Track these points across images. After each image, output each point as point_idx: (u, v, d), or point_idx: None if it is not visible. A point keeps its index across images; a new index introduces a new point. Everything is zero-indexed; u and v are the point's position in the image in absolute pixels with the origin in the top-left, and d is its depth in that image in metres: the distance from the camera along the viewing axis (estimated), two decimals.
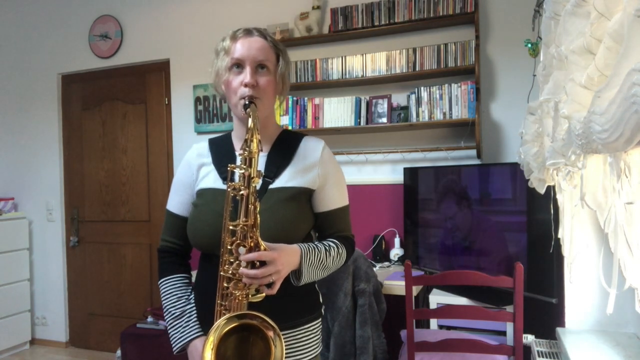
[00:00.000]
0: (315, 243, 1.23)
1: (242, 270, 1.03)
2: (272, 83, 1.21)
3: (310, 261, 1.16)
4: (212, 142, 1.34)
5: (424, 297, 2.71)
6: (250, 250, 1.05)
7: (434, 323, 2.45)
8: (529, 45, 2.34)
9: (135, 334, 2.95)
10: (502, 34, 2.82)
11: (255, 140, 1.08)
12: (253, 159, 1.07)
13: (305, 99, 3.08)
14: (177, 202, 1.29)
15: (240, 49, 1.19)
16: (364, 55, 2.97)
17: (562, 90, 0.93)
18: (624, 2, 0.60)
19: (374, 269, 2.71)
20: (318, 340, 1.30)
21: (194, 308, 1.23)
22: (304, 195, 1.22)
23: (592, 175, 1.05)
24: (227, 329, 1.01)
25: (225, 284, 1.07)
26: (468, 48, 2.72)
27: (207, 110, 3.53)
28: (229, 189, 1.08)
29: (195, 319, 1.22)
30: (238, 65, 1.19)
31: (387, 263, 2.92)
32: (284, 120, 3.12)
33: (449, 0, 2.76)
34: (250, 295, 1.05)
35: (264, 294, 1.06)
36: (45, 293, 4.01)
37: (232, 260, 1.07)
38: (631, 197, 0.85)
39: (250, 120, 1.09)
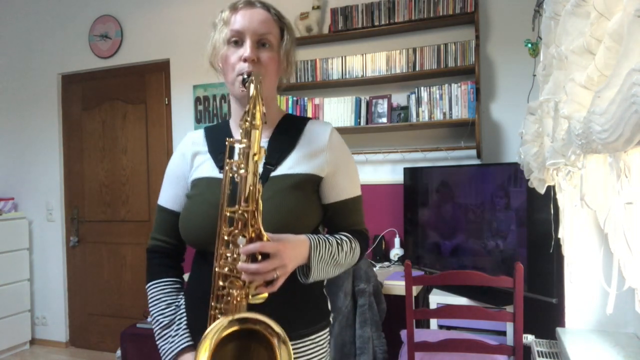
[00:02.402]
0: (326, 236, 1.08)
1: (241, 265, 0.88)
2: (275, 60, 1.07)
3: (321, 255, 1.01)
4: (208, 130, 1.20)
5: (424, 297, 2.71)
6: (251, 241, 0.90)
7: (434, 323, 2.45)
8: (529, 45, 2.34)
9: (135, 334, 2.95)
10: (502, 34, 2.82)
11: (258, 111, 0.92)
12: (256, 132, 0.91)
13: (305, 99, 3.08)
14: (170, 195, 1.16)
15: (241, 20, 1.05)
16: (364, 55, 2.97)
17: (562, 90, 0.93)
18: (624, 2, 0.60)
19: (374, 269, 2.71)
20: (326, 353, 1.14)
21: (184, 315, 1.10)
22: (311, 184, 1.08)
23: (592, 175, 1.05)
24: (224, 334, 0.87)
25: (221, 283, 0.92)
26: (468, 48, 2.72)
27: (207, 110, 3.53)
28: (226, 167, 0.93)
29: (185, 327, 1.08)
30: (237, 38, 1.05)
31: (387, 263, 2.92)
32: None
33: (449, 0, 2.76)
34: (250, 296, 0.90)
35: (266, 294, 0.91)
36: (45, 293, 4.01)
37: (229, 254, 0.91)
38: (631, 197, 0.85)
39: (252, 88, 0.94)
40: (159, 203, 1.19)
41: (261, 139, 0.94)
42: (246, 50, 1.03)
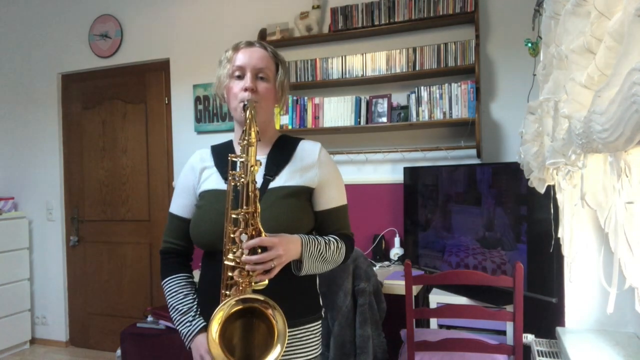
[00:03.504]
0: (315, 236, 1.27)
1: (244, 257, 1.07)
2: (271, 91, 1.28)
3: (310, 252, 1.19)
4: (214, 148, 1.39)
5: (424, 297, 2.71)
6: (252, 237, 1.08)
7: (434, 322, 2.45)
8: (529, 44, 2.34)
9: (135, 334, 2.95)
10: (502, 34, 2.82)
11: (253, 131, 1.12)
12: (251, 148, 1.11)
13: (305, 98, 3.08)
14: (180, 204, 1.34)
15: (242, 57, 1.26)
16: (364, 54, 2.97)
17: (562, 89, 0.93)
18: (624, 1, 0.60)
19: (374, 268, 2.71)
20: (318, 342, 1.32)
21: (198, 307, 1.28)
22: (304, 194, 1.27)
23: (592, 175, 1.05)
24: (229, 313, 1.03)
25: (229, 274, 1.10)
26: (468, 47, 2.72)
27: (207, 109, 3.53)
28: (230, 178, 1.12)
29: (200, 314, 1.26)
30: (239, 73, 1.25)
31: (387, 262, 2.92)
32: (284, 120, 3.12)
33: None
34: (253, 283, 1.08)
35: (266, 282, 1.09)
36: (45, 293, 4.01)
37: (235, 249, 1.10)
38: (631, 196, 0.85)
39: (247, 112, 1.14)
40: (171, 211, 1.36)
41: (259, 154, 1.15)
42: (246, 81, 1.24)
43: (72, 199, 3.97)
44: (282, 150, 1.33)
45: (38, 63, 4.00)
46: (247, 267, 1.07)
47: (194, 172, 1.34)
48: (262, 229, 1.09)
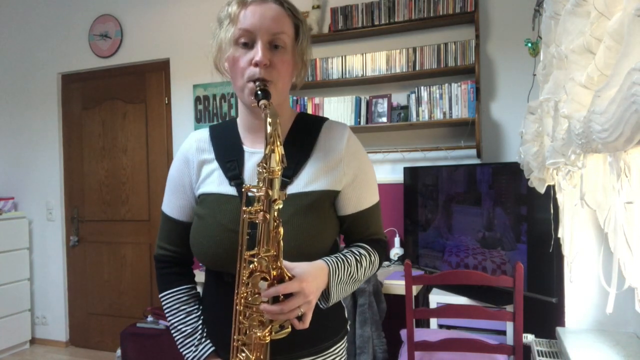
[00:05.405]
0: (344, 253, 1.03)
1: (264, 306, 0.86)
2: (288, 63, 0.98)
3: (340, 278, 0.97)
4: (213, 131, 1.11)
5: (424, 297, 2.71)
6: (273, 283, 0.86)
7: (434, 322, 2.45)
8: (529, 44, 2.34)
9: (135, 334, 2.95)
10: (502, 34, 2.82)
11: (277, 152, 0.85)
12: (275, 180, 0.85)
13: (305, 98, 3.08)
14: (175, 205, 1.09)
15: (251, 17, 0.94)
16: (364, 54, 2.97)
17: (562, 89, 0.93)
18: (624, 1, 0.60)
19: None
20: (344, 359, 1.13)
21: (204, 326, 1.10)
22: (328, 200, 1.02)
23: (592, 175, 1.05)
24: None
25: (241, 318, 0.91)
26: (468, 47, 2.72)
27: (207, 109, 3.53)
28: (244, 215, 0.88)
29: (206, 335, 1.08)
30: (246, 39, 0.95)
31: (387, 262, 2.92)
32: None
33: None
34: (273, 332, 0.89)
35: (289, 330, 0.89)
36: (45, 292, 4.01)
37: (248, 292, 0.89)
38: (631, 196, 0.85)
39: (269, 126, 0.85)
40: (164, 211, 1.12)
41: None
42: (257, 53, 0.93)
43: (72, 199, 3.97)
44: (301, 140, 1.04)
45: (38, 63, 4.00)
46: (266, 316, 0.87)
47: (189, 166, 1.07)
48: (285, 273, 0.87)
